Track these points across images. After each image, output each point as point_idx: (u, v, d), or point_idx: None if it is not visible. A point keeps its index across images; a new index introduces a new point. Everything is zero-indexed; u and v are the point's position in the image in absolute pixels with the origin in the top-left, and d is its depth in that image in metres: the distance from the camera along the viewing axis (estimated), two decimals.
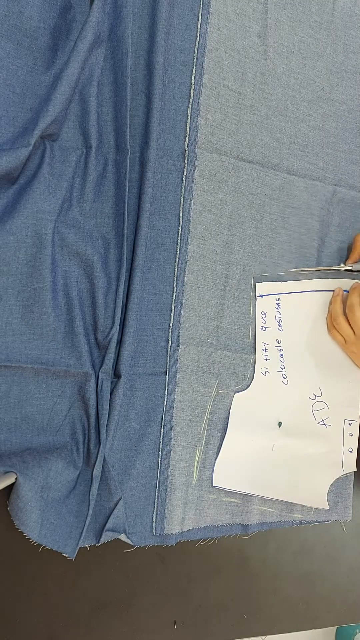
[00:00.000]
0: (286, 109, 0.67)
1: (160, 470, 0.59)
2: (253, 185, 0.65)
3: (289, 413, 0.65)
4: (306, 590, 0.66)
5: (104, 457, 0.55)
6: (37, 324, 0.54)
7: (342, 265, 0.67)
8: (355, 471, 0.67)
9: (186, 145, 0.61)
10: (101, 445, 0.54)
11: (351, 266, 0.66)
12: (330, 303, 0.67)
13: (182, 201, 0.61)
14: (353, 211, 0.71)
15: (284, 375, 0.66)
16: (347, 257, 0.69)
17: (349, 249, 0.70)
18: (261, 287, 0.65)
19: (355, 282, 0.67)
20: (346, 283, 0.69)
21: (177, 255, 0.61)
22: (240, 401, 0.63)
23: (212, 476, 0.61)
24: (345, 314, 0.64)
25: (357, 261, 0.67)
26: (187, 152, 0.61)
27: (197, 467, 0.61)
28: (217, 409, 0.62)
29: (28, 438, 0.54)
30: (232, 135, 0.64)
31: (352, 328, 0.64)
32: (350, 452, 0.67)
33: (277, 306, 0.66)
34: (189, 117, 0.61)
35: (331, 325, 0.67)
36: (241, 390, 0.64)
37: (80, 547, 0.53)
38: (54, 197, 0.55)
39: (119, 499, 0.55)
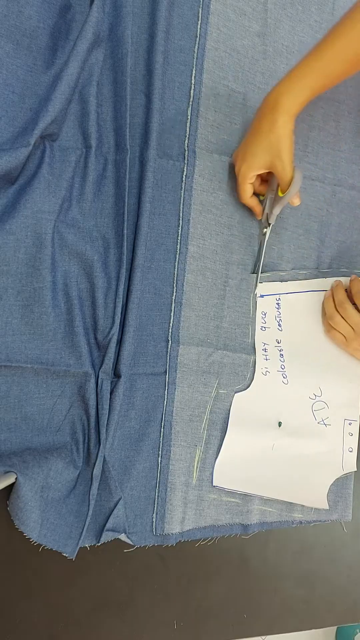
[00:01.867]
0: None
1: (160, 470, 0.59)
2: None
3: (289, 413, 0.65)
4: (306, 590, 0.66)
5: (104, 457, 0.55)
6: (37, 323, 0.54)
7: (264, 229, 0.63)
8: (355, 471, 0.67)
9: (186, 145, 0.61)
10: (101, 445, 0.54)
11: (264, 216, 0.63)
12: (324, 305, 0.67)
13: (182, 201, 0.61)
14: (353, 211, 0.71)
15: (284, 375, 0.66)
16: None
17: (348, 249, 0.70)
18: (261, 287, 0.65)
19: (337, 279, 0.67)
20: (346, 283, 0.69)
21: (177, 255, 0.61)
22: (240, 401, 0.63)
23: (212, 476, 0.61)
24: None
25: (263, 210, 0.64)
26: (187, 151, 0.61)
27: (197, 467, 0.61)
28: (217, 409, 0.62)
29: (28, 438, 0.54)
30: (232, 135, 0.64)
31: (349, 324, 0.64)
32: (351, 451, 0.67)
33: (277, 306, 0.66)
34: (188, 117, 0.61)
35: (328, 326, 0.66)
36: (241, 390, 0.64)
37: (80, 547, 0.53)
38: (53, 197, 0.55)
39: (119, 499, 0.55)
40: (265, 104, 0.55)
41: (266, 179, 0.63)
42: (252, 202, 0.62)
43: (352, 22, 0.52)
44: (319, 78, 0.53)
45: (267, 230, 0.63)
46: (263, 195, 0.63)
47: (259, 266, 0.64)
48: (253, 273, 0.65)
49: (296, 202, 0.60)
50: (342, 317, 0.64)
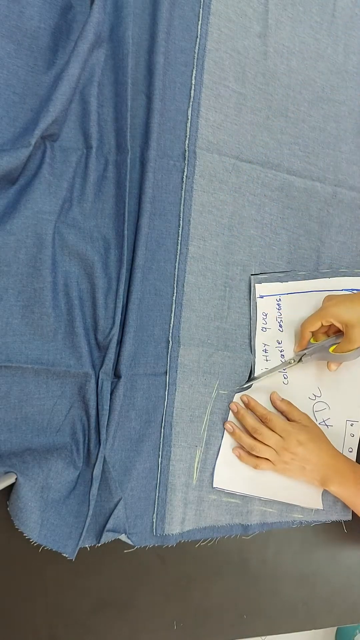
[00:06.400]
0: (287, 109, 0.67)
1: (160, 471, 0.59)
2: (253, 185, 0.65)
3: None
4: (306, 591, 0.66)
5: (104, 458, 0.55)
6: (38, 324, 0.54)
7: (292, 361, 0.64)
8: None
9: (186, 145, 0.61)
10: (101, 446, 0.54)
11: (303, 353, 0.64)
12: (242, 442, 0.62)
13: (182, 202, 0.61)
14: (353, 212, 0.71)
15: (285, 376, 0.66)
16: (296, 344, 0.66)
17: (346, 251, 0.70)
18: (261, 288, 0.65)
19: (245, 394, 0.64)
20: (346, 283, 0.69)
21: (178, 256, 0.61)
22: (240, 402, 0.63)
23: (213, 477, 0.61)
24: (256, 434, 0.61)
25: (306, 348, 0.64)
26: (187, 152, 0.61)
27: (197, 468, 0.61)
28: (217, 410, 0.62)
29: (28, 438, 0.54)
30: (232, 135, 0.64)
31: (270, 446, 0.60)
32: (350, 452, 0.67)
33: (277, 307, 0.66)
34: (189, 118, 0.61)
35: (254, 461, 0.61)
36: (241, 391, 0.64)
37: (80, 548, 0.53)
38: (54, 198, 0.55)
39: (119, 500, 0.55)
40: None
41: (328, 332, 0.64)
42: (307, 335, 0.64)
43: None
44: None
45: (293, 364, 0.65)
46: (314, 339, 0.65)
47: (257, 378, 0.64)
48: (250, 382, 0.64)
49: (333, 368, 0.64)
50: (262, 443, 0.60)
